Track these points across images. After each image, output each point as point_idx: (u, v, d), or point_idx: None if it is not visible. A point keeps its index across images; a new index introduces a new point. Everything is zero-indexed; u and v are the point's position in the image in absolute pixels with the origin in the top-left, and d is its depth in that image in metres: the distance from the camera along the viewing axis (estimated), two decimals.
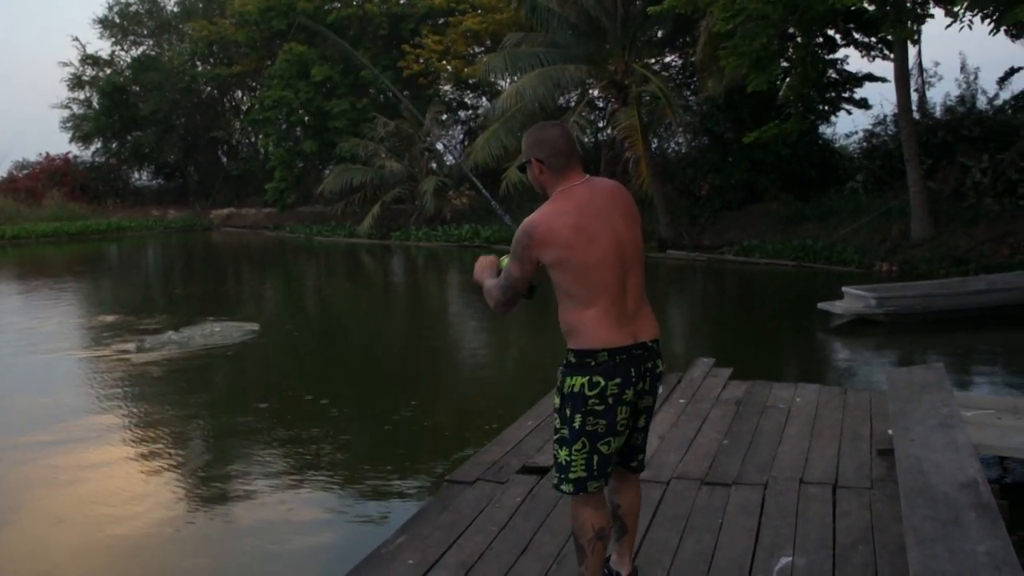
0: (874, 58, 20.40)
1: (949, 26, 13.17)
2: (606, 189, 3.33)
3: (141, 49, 42.77)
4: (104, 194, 41.61)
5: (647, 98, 22.28)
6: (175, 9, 42.81)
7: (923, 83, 21.68)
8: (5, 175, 40.67)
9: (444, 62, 32.08)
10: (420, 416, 8.29)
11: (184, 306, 16.01)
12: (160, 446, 7.52)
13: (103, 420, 8.25)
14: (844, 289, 12.03)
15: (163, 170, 43.88)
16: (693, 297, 16.53)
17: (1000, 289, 11.85)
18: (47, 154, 41.35)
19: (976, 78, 20.85)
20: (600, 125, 28.10)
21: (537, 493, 4.75)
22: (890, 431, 5.00)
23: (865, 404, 6.16)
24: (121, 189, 43.14)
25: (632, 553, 3.67)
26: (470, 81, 32.04)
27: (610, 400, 3.19)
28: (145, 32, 43.03)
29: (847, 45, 20.68)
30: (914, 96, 19.49)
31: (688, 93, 25.45)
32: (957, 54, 25.08)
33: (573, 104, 25.54)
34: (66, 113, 41.81)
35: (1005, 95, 20.23)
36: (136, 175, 44.61)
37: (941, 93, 35.05)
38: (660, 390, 3.60)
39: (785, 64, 17.60)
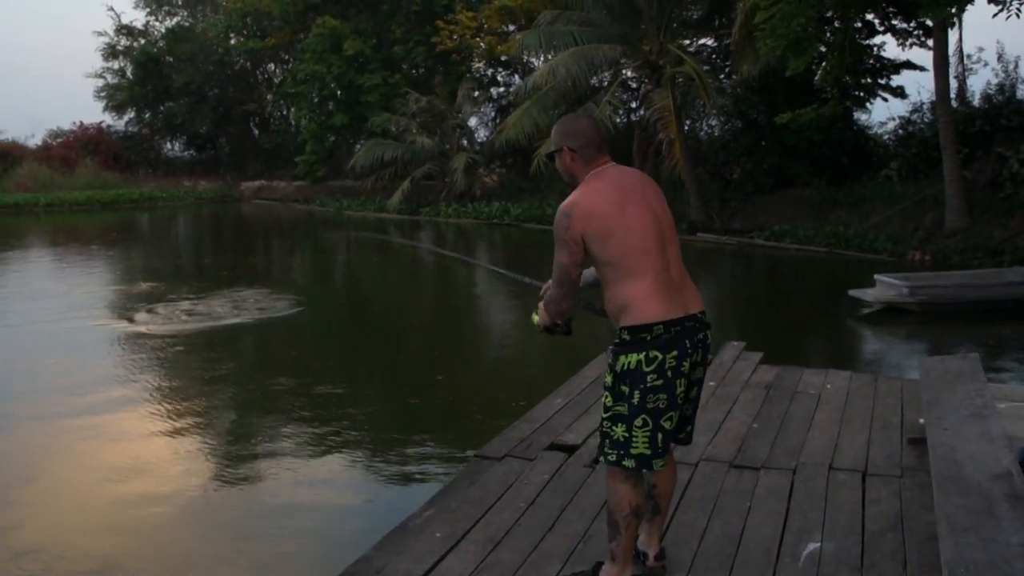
0: (912, 45, 20.11)
1: (997, 14, 12.95)
2: (634, 171, 3.51)
3: (175, 20, 42.92)
4: (136, 164, 41.84)
5: (681, 80, 22.10)
6: None
7: (963, 71, 21.35)
8: (40, 143, 40.97)
9: (478, 39, 31.93)
10: (446, 392, 8.33)
11: (215, 277, 16.14)
12: (185, 418, 7.60)
13: (130, 392, 8.29)
14: (876, 277, 11.92)
15: (195, 141, 44.07)
16: (723, 280, 16.46)
17: None
18: (81, 123, 41.64)
19: (1016, 67, 20.53)
20: (633, 106, 27.91)
21: (565, 471, 4.76)
22: (922, 420, 4.96)
23: (896, 392, 6.12)
24: (153, 159, 43.36)
25: (661, 534, 3.67)
26: (503, 58, 31.86)
27: (669, 374, 3.21)
28: (180, 3, 43.14)
29: (885, 32, 20.40)
30: (953, 84, 19.20)
31: (722, 76, 25.21)
32: (996, 42, 24.60)
33: (606, 84, 25.38)
34: (100, 83, 42.07)
35: None
36: (168, 146, 44.81)
37: (982, 81, 34.49)
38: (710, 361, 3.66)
39: (822, 49, 17.38)
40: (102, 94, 41.64)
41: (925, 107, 21.36)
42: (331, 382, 8.78)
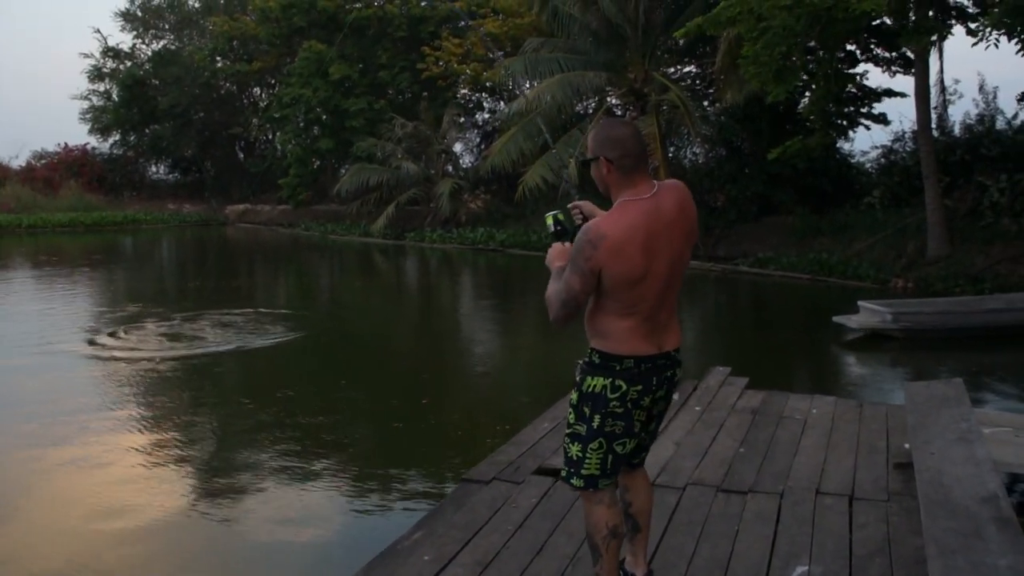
0: (895, 73, 20.37)
1: (975, 44, 13.13)
2: (674, 202, 3.18)
3: (162, 43, 43.03)
4: (121, 186, 41.77)
5: (665, 107, 22.27)
6: (197, 4, 43.04)
7: (944, 100, 21.61)
8: (24, 164, 40.88)
9: (463, 65, 32.14)
10: (433, 415, 8.30)
11: (196, 300, 16.06)
12: (170, 439, 7.54)
13: (105, 420, 8.14)
14: (860, 303, 11.98)
15: (180, 164, 44.06)
16: (708, 307, 16.51)
17: (1018, 308, 11.77)
18: (65, 144, 41.62)
19: (995, 97, 20.79)
20: None
21: (553, 494, 4.76)
22: (907, 445, 4.99)
23: (881, 417, 6.15)
24: (138, 182, 43.31)
25: (646, 554, 3.67)
26: (488, 84, 32.07)
27: (628, 404, 3.22)
28: (166, 26, 43.26)
29: (867, 60, 20.65)
30: (933, 114, 19.42)
31: (706, 104, 25.42)
32: (976, 74, 24.95)
33: (591, 111, 25.55)
34: (86, 105, 42.13)
35: None
36: (153, 168, 44.85)
37: (961, 111, 34.93)
38: (675, 397, 3.61)
39: (806, 78, 17.56)
40: (87, 116, 41.70)
41: (907, 136, 21.59)
42: (314, 405, 8.74)
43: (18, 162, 41.03)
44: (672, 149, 25.91)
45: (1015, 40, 13.03)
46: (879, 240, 18.55)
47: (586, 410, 3.27)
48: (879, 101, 20.68)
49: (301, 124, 35.23)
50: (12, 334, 12.29)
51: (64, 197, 37.38)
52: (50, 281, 19.75)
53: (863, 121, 21.02)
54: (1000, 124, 20.44)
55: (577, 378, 3.32)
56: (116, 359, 10.60)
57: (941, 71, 21.97)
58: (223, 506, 6.00)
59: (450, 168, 31.59)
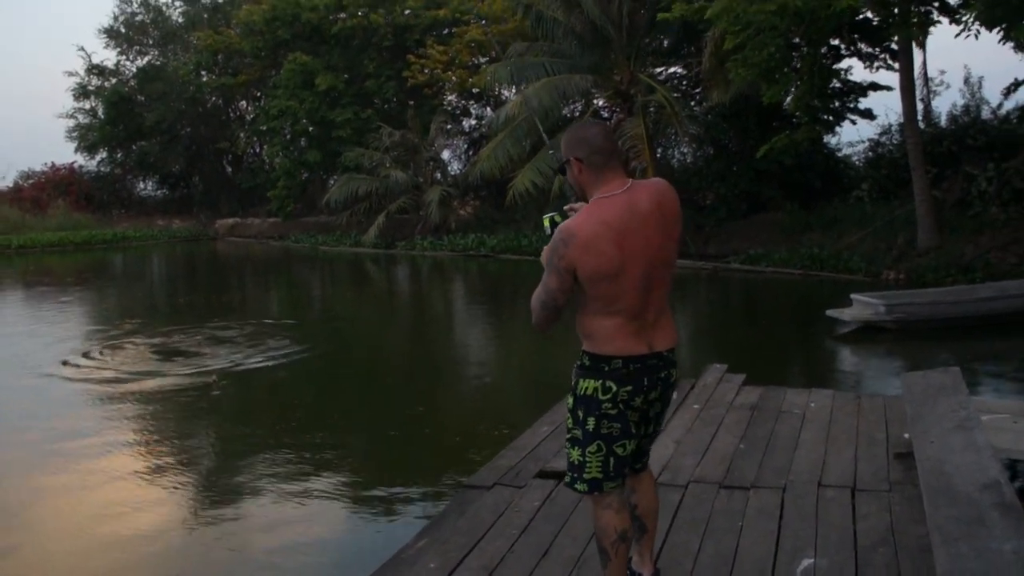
0: (878, 68, 20.47)
1: (958, 35, 13.24)
2: (649, 196, 3.18)
3: (146, 59, 42.80)
4: (109, 204, 41.60)
5: (652, 108, 22.32)
6: (180, 19, 42.86)
7: (928, 92, 21.73)
8: (11, 185, 40.66)
9: (449, 72, 32.16)
10: (431, 423, 8.31)
11: (187, 315, 16.01)
12: (171, 458, 7.52)
13: (116, 437, 8.12)
14: (853, 296, 12.03)
15: (168, 180, 43.92)
16: (701, 305, 16.55)
17: (1010, 296, 11.86)
18: (52, 164, 41.41)
19: (980, 88, 20.92)
20: None
21: (555, 497, 4.76)
22: (907, 435, 5.02)
23: (879, 409, 6.17)
24: (126, 199, 43.14)
25: (653, 554, 3.67)
26: (475, 91, 32.08)
27: (621, 406, 3.22)
28: (150, 42, 43.08)
29: (851, 56, 20.75)
30: (919, 106, 19.52)
31: (693, 103, 25.49)
32: (963, 66, 25.06)
33: (578, 114, 25.58)
34: (72, 123, 41.88)
35: (1009, 105, 20.30)
36: (141, 185, 44.62)
37: (947, 103, 35.12)
38: (674, 396, 3.59)
39: (790, 73, 17.63)
40: (74, 134, 41.46)
41: (893, 129, 21.69)
42: (311, 416, 8.72)
43: (5, 183, 40.88)
44: (660, 149, 25.97)
45: (997, 30, 13.12)
46: (869, 233, 18.63)
47: (581, 413, 3.27)
48: (864, 95, 20.78)
49: (288, 136, 35.17)
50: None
51: (52, 216, 37.21)
52: (38, 301, 19.64)
53: (849, 116, 21.12)
54: (985, 114, 20.56)
55: (572, 382, 3.33)
56: (95, 380, 10.33)
57: (925, 63, 22.16)
58: (223, 521, 5.98)
59: (439, 176, 31.59)
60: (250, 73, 37.92)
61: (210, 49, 38.07)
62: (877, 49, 19.98)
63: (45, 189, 39.78)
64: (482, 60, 31.64)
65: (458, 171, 33.04)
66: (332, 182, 33.65)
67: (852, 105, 21.01)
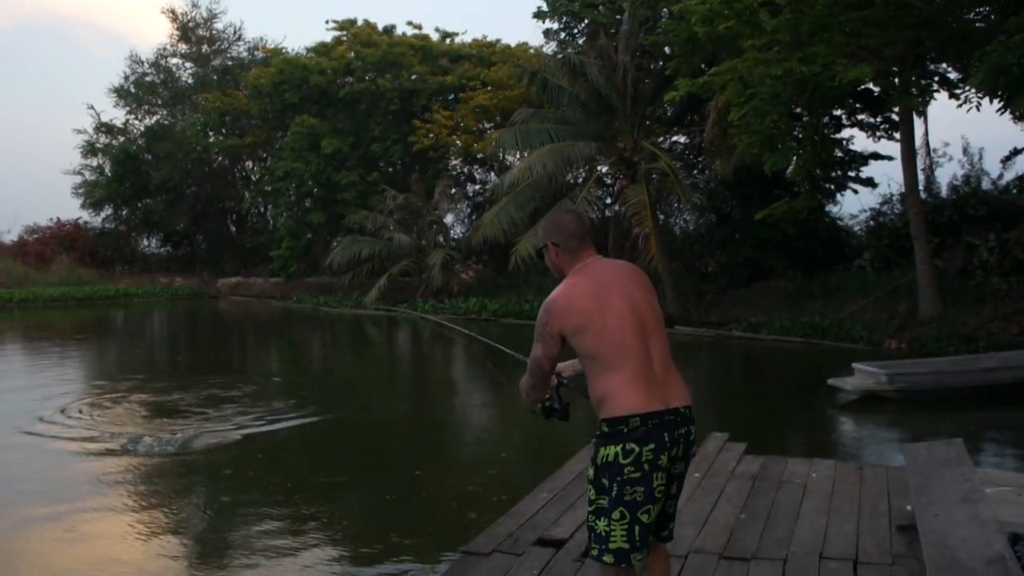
0: (879, 138, 20.73)
1: (960, 106, 13.39)
2: (618, 264, 3.57)
3: (155, 118, 43.33)
4: (112, 260, 41.78)
5: (655, 176, 22.51)
6: (190, 80, 43.49)
7: (931, 162, 21.93)
8: (15, 239, 40.90)
9: (454, 137, 32.51)
10: (428, 489, 8.21)
11: (185, 375, 15.94)
12: (164, 518, 7.41)
13: (105, 501, 7.90)
14: (855, 365, 11.98)
15: (172, 238, 44.17)
16: (702, 373, 16.47)
17: (1012, 367, 11.80)
18: (58, 219, 41.71)
19: (980, 158, 21.14)
20: (608, 201, 28.30)
21: (554, 566, 4.68)
22: (910, 507, 4.95)
23: (882, 480, 6.10)
24: (129, 256, 43.34)
25: None
26: (479, 156, 32.41)
27: (646, 467, 3.20)
28: (159, 102, 43.62)
29: (852, 125, 21.02)
30: (921, 176, 19.70)
31: (696, 172, 25.73)
32: (960, 136, 25.42)
33: (582, 180, 25.79)
34: (78, 179, 42.28)
35: (1009, 175, 20.49)
36: (145, 242, 44.87)
37: (947, 173, 35.49)
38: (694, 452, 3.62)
39: (793, 144, 17.82)
40: (80, 191, 41.81)
41: (895, 198, 21.86)
42: (307, 479, 8.64)
43: (10, 237, 41.10)
44: (662, 216, 26.14)
45: (997, 100, 13.28)
46: (871, 302, 18.63)
47: (604, 481, 3.27)
48: (866, 164, 21.03)
49: (293, 197, 35.46)
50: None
51: (56, 271, 37.34)
52: (37, 356, 19.58)
53: (851, 185, 21.32)
54: (986, 184, 20.75)
55: (592, 454, 3.35)
56: (64, 438, 10.01)
57: (926, 133, 22.40)
58: None
59: (441, 239, 31.76)
60: (257, 134, 38.38)
61: (218, 110, 38.57)
62: (878, 119, 20.24)
63: (49, 244, 40.00)
64: (487, 125, 32.04)
65: (461, 235, 33.23)
66: (335, 243, 33.80)
67: (854, 174, 21.23)
